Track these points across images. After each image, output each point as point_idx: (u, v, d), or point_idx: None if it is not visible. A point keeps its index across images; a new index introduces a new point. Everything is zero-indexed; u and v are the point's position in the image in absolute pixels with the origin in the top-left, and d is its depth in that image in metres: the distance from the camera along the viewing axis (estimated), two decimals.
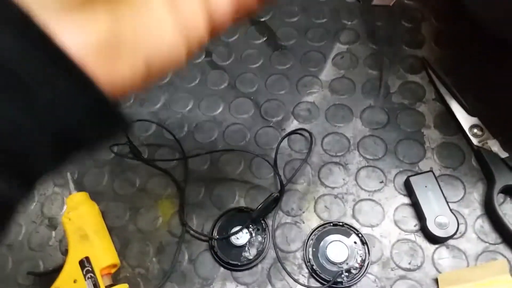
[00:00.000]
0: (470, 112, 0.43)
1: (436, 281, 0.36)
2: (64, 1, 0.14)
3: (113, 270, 0.38)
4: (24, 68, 0.13)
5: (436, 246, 0.38)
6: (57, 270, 0.37)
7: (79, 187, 0.43)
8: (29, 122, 0.14)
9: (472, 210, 0.39)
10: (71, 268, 0.37)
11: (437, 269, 0.37)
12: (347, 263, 0.37)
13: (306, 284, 0.37)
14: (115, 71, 0.16)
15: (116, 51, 0.16)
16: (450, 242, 0.38)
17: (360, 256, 0.38)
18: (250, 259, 0.38)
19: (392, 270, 0.37)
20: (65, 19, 0.14)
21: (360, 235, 0.38)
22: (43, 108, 0.14)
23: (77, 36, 0.14)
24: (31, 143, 0.14)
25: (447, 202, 0.38)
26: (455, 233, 0.37)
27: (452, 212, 0.38)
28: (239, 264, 0.38)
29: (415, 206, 0.40)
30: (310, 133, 0.44)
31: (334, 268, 0.37)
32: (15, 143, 0.14)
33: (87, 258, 0.37)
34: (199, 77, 0.49)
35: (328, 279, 0.37)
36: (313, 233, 0.39)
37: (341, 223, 0.39)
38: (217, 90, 0.48)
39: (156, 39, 0.17)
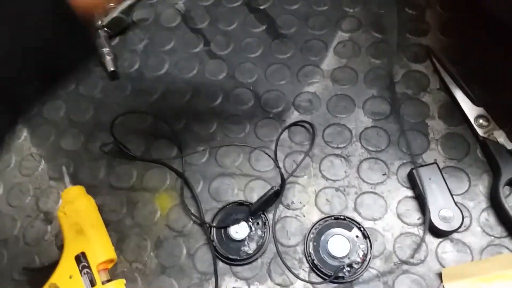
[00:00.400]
0: (475, 102, 0.42)
1: (439, 275, 0.36)
2: None
3: (110, 265, 0.37)
4: None
5: (440, 239, 0.37)
6: (53, 265, 0.36)
7: (75, 181, 0.42)
8: (14, 46, 0.14)
9: (477, 203, 0.38)
10: (66, 264, 0.36)
11: (440, 264, 0.36)
12: (348, 258, 0.37)
13: (306, 279, 0.37)
14: None
15: None
16: (455, 235, 0.37)
17: (362, 250, 0.37)
18: (250, 254, 0.38)
19: (395, 264, 0.37)
20: None
21: (362, 228, 0.38)
22: (24, 27, 0.16)
23: None
24: (17, 67, 0.14)
25: (452, 195, 0.37)
26: (459, 227, 0.36)
27: (457, 205, 0.37)
28: (238, 258, 0.37)
29: (419, 199, 0.39)
30: (312, 125, 0.43)
31: (336, 263, 0.36)
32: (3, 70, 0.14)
33: (83, 253, 0.36)
34: (197, 67, 0.48)
35: (329, 274, 0.36)
36: (314, 227, 0.38)
37: (342, 217, 0.38)
38: (216, 80, 0.47)
39: None
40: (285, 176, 0.40)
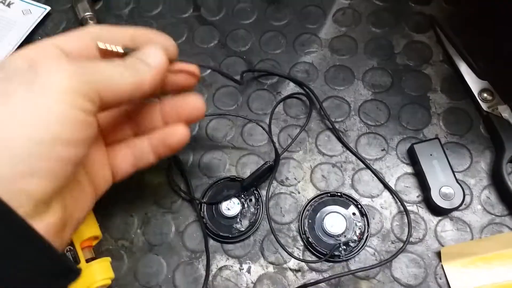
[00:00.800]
0: (480, 75, 0.40)
1: (438, 254, 0.34)
2: (34, 204, 0.20)
3: (94, 243, 0.36)
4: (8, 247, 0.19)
5: (440, 218, 0.36)
6: None
7: None
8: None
9: (479, 180, 0.37)
10: None
11: (440, 242, 0.35)
12: (345, 236, 0.35)
13: (301, 257, 0.35)
14: (64, 236, 0.24)
15: (64, 225, 0.23)
16: (454, 214, 0.36)
17: (359, 228, 0.35)
18: (242, 231, 0.36)
19: (393, 243, 0.35)
20: (35, 214, 0.20)
21: (359, 206, 0.36)
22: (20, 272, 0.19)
23: (43, 223, 0.21)
24: None
25: (453, 172, 0.36)
26: (460, 204, 0.35)
27: (458, 182, 0.35)
28: (230, 236, 0.36)
29: (419, 175, 0.37)
30: (308, 98, 0.40)
31: (331, 241, 0.35)
32: None
33: None
34: (186, 34, 0.45)
35: (325, 252, 0.34)
36: (309, 204, 0.37)
37: (339, 194, 0.37)
38: (206, 48, 0.44)
39: (82, 206, 0.27)
40: (280, 151, 0.38)
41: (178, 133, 0.30)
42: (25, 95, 0.21)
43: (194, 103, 0.30)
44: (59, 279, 0.21)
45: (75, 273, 0.22)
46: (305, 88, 0.41)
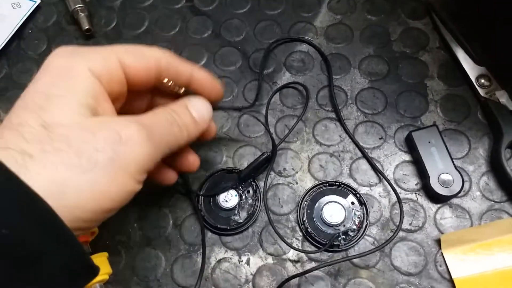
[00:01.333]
0: (477, 61, 0.39)
1: (438, 242, 0.34)
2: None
3: (90, 238, 0.35)
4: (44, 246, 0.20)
5: (439, 205, 0.36)
6: None
7: None
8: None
9: (477, 166, 0.37)
10: None
11: (439, 230, 0.35)
12: (344, 225, 0.35)
13: (300, 248, 0.35)
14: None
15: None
16: (453, 201, 0.36)
17: (358, 218, 0.35)
18: (240, 223, 0.36)
19: (392, 231, 0.35)
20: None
21: (358, 195, 0.36)
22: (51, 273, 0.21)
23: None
24: None
25: (452, 159, 0.36)
26: (459, 191, 0.35)
27: (457, 169, 0.35)
28: (228, 228, 0.36)
29: (417, 163, 0.37)
30: (305, 87, 0.40)
31: (330, 231, 0.35)
32: None
33: None
34: (179, 25, 0.44)
35: (324, 242, 0.34)
36: (307, 194, 0.36)
37: (337, 183, 0.36)
38: (200, 38, 0.44)
39: None
40: (277, 141, 0.38)
41: (169, 177, 0.32)
42: (107, 169, 0.22)
43: (193, 160, 0.32)
44: (88, 276, 0.24)
45: (98, 270, 0.24)
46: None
